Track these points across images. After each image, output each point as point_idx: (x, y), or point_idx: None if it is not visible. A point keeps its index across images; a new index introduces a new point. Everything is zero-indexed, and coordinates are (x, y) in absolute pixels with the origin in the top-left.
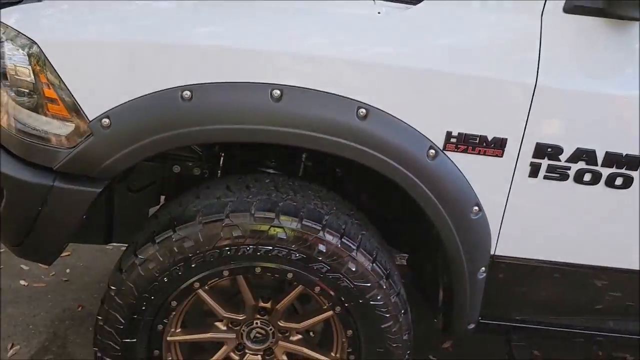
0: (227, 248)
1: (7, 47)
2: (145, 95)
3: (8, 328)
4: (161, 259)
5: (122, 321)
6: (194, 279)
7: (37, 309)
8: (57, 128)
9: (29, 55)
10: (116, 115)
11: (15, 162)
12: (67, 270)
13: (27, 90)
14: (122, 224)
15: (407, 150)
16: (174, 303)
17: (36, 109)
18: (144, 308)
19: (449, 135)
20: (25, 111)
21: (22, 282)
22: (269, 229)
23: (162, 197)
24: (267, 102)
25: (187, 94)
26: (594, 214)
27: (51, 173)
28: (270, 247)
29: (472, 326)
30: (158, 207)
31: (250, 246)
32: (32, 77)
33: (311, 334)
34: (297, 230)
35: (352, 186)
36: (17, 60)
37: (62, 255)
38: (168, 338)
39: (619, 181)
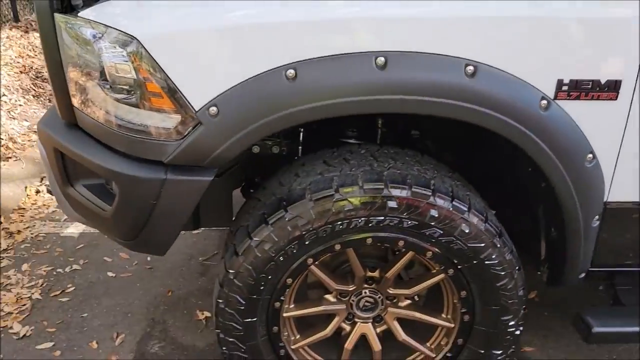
0: (339, 222)
1: (104, 45)
2: (249, 79)
3: (108, 318)
4: (276, 239)
5: (243, 302)
6: (307, 255)
7: (130, 298)
8: (162, 121)
9: (129, 52)
10: (223, 103)
11: (124, 159)
12: (149, 259)
13: (127, 87)
14: (209, 209)
15: (518, 104)
16: (289, 280)
17: (138, 104)
18: (262, 287)
19: (560, 83)
20: (126, 107)
21: (110, 274)
22: (380, 199)
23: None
24: (372, 70)
25: (291, 72)
26: None
27: (162, 166)
28: (382, 218)
29: (582, 275)
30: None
31: (362, 218)
32: (133, 73)
33: (416, 298)
34: (407, 198)
35: (433, 147)
36: (116, 58)
37: None
38: (284, 314)
39: None
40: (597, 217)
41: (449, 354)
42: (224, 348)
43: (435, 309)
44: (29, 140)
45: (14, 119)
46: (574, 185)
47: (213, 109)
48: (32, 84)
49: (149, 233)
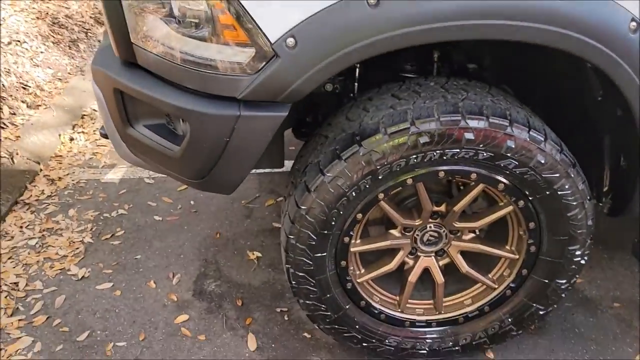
0: (414, 156)
1: None
2: (328, 7)
3: (162, 260)
4: (349, 174)
5: (314, 237)
6: (379, 190)
7: (180, 240)
8: (235, 55)
9: None
10: (301, 33)
11: (194, 96)
12: (192, 202)
13: (196, 20)
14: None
15: (608, 27)
16: (359, 215)
17: (210, 38)
18: (333, 223)
19: None
20: (197, 42)
21: (157, 217)
22: (457, 131)
23: None
24: None
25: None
26: None
27: (235, 102)
28: (458, 150)
29: None
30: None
31: (437, 151)
32: (205, 5)
33: (477, 231)
34: (485, 129)
35: (492, 78)
36: None
37: (180, 189)
38: (352, 249)
39: None
40: None
41: (512, 284)
42: (293, 282)
43: (498, 241)
44: (55, 88)
45: (37, 66)
46: None
47: (291, 40)
48: (50, 30)
49: (220, 172)
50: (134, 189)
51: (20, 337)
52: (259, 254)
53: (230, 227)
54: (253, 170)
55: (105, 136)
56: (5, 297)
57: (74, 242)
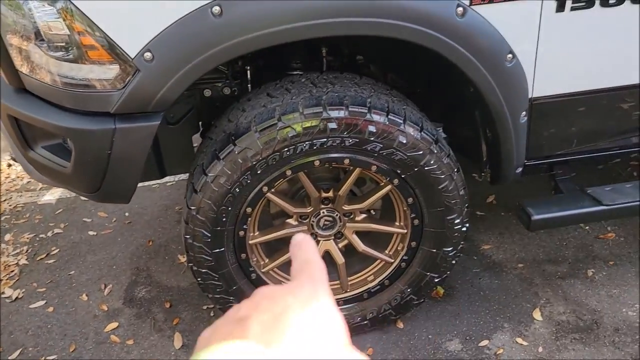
0: (285, 149)
1: (34, 5)
2: (177, 20)
3: (95, 273)
4: (229, 172)
5: (208, 235)
6: (262, 183)
7: (113, 252)
8: (102, 73)
9: (59, 9)
10: (156, 47)
11: (73, 115)
12: (127, 214)
13: (63, 44)
14: (171, 156)
15: (436, 13)
16: (248, 209)
17: (77, 59)
18: (224, 219)
19: None
20: (66, 64)
21: (91, 233)
22: (320, 122)
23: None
24: None
25: (216, 9)
26: (622, 34)
27: (110, 116)
28: (325, 139)
29: (519, 170)
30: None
31: (306, 142)
32: (66, 29)
33: (372, 212)
34: (345, 117)
35: (376, 69)
36: (47, 16)
37: (114, 204)
38: (250, 242)
39: None
40: (524, 113)
41: (405, 257)
42: (198, 279)
43: (390, 219)
44: None
45: None
46: (497, 85)
47: (148, 54)
48: None
49: (111, 183)
50: (70, 207)
51: None
52: None
53: (163, 233)
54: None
55: (15, 160)
56: None
57: (9, 266)
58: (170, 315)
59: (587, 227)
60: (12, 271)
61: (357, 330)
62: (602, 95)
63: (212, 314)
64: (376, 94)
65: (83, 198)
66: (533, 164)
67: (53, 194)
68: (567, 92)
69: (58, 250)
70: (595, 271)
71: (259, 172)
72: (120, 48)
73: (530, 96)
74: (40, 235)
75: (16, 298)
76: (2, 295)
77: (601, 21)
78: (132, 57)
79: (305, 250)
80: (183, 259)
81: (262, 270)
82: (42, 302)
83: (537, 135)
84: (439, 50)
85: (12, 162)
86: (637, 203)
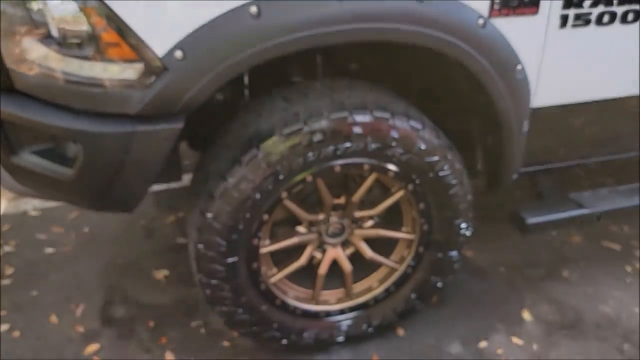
0: (310, 154)
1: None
2: (213, 19)
3: (61, 293)
4: (251, 177)
5: (223, 243)
6: (282, 189)
7: (79, 270)
8: (122, 72)
9: (78, 2)
10: (188, 46)
11: (84, 116)
12: (86, 230)
13: (79, 40)
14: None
15: (462, 24)
16: (265, 216)
17: (94, 57)
18: (241, 227)
19: (492, 2)
20: (81, 62)
21: (49, 250)
22: (346, 127)
23: None
24: (330, 4)
25: (254, 9)
26: (613, 50)
27: (129, 118)
28: (349, 144)
29: (516, 176)
30: None
31: (330, 147)
32: (85, 24)
33: (375, 218)
34: (370, 122)
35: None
36: (67, 10)
37: (71, 217)
38: (262, 250)
39: (630, 17)
40: (526, 122)
41: (411, 263)
42: (207, 291)
43: (395, 225)
44: None
45: None
46: (508, 94)
47: (178, 53)
48: None
49: (119, 190)
50: (18, 224)
51: None
52: (167, 272)
53: (131, 249)
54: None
55: None
56: None
57: None
58: (155, 335)
59: (554, 233)
60: None
61: (361, 339)
62: (595, 106)
63: (202, 330)
64: (394, 101)
65: (32, 213)
66: (526, 171)
67: None
68: (564, 102)
69: (13, 270)
70: (569, 272)
71: (280, 177)
72: (148, 46)
73: (531, 106)
74: None
75: None
76: None
77: (596, 38)
78: (161, 55)
79: None
80: (160, 275)
81: (271, 281)
82: (6, 326)
83: (535, 143)
84: (461, 59)
85: None
86: (617, 207)
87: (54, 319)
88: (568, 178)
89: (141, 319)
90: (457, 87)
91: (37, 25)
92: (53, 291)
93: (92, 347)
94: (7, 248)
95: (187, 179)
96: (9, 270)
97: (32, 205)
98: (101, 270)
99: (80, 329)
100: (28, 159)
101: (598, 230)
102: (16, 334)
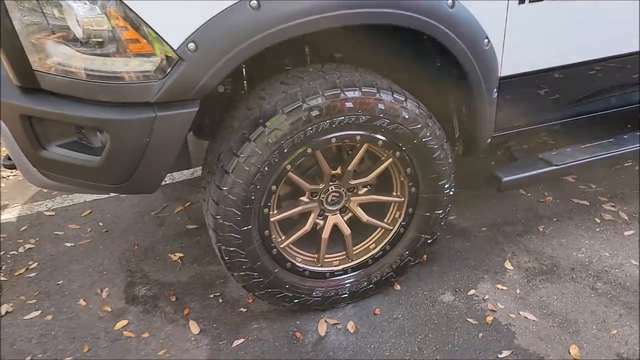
0: (309, 128)
1: (74, 3)
2: (219, 13)
3: (85, 280)
4: (260, 152)
5: (238, 213)
6: (286, 161)
7: (99, 259)
8: (141, 65)
9: (100, 4)
10: (200, 37)
11: (110, 107)
12: (101, 224)
13: (102, 39)
14: None
15: (433, 6)
16: (273, 187)
17: (116, 53)
18: (253, 197)
19: None
20: (100, 59)
21: (68, 244)
22: (339, 102)
23: None
24: None
25: (254, 3)
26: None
27: (149, 105)
28: (342, 117)
29: (489, 140)
30: None
31: (327, 121)
32: (107, 24)
33: (368, 187)
34: (359, 97)
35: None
36: (88, 12)
37: (84, 214)
38: (271, 219)
39: None
40: (495, 89)
41: (403, 223)
42: (226, 258)
43: (387, 190)
44: None
45: None
46: (477, 64)
47: (192, 45)
48: None
49: (143, 172)
50: (35, 224)
51: None
52: (181, 254)
53: (146, 237)
54: None
55: (9, 167)
56: None
57: None
58: (179, 307)
59: (528, 194)
60: None
61: (363, 295)
62: (556, 72)
63: (220, 300)
64: (378, 78)
65: (47, 214)
66: (499, 135)
67: (11, 212)
68: (528, 70)
69: (37, 263)
70: (544, 227)
71: (285, 150)
72: (164, 40)
73: (499, 75)
74: (11, 252)
75: (6, 312)
76: None
77: (551, 11)
78: (176, 48)
79: None
80: (175, 257)
81: (281, 247)
82: (37, 312)
83: (504, 109)
84: (435, 36)
85: None
86: (582, 161)
87: (82, 302)
88: (537, 143)
89: (163, 295)
90: (434, 66)
91: (55, 30)
92: (78, 279)
93: (122, 323)
94: (27, 245)
95: (186, 174)
96: (32, 265)
97: (46, 206)
98: (120, 257)
99: (108, 308)
100: (57, 152)
101: (568, 190)
102: (49, 317)
